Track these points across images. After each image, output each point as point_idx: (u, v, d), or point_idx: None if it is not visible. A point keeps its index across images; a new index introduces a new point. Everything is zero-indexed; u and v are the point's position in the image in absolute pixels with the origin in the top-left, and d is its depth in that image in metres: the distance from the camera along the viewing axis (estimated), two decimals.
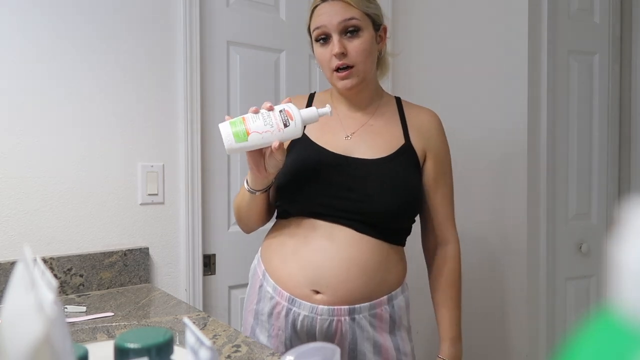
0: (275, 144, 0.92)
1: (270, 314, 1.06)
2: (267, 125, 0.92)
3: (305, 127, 0.97)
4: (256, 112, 0.94)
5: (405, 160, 1.07)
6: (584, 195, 1.73)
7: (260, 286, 1.09)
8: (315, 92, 1.20)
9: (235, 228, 1.68)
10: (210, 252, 1.66)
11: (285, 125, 0.92)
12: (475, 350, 1.70)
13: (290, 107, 0.94)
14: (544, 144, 1.64)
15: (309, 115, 0.95)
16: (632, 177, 1.82)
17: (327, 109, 0.96)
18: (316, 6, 1.06)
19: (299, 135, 0.95)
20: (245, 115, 0.93)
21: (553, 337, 1.68)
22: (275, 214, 1.15)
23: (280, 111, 0.93)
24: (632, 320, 0.18)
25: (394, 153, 1.07)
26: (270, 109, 0.93)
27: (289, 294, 1.03)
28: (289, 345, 1.04)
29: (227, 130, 0.91)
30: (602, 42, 1.76)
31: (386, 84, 1.95)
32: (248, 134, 0.91)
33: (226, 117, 0.95)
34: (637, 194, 1.78)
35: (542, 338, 1.65)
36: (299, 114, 0.94)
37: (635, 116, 1.82)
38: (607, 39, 1.77)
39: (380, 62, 1.15)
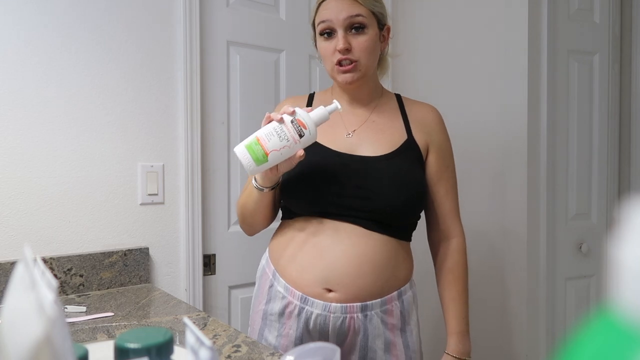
0: (299, 153, 0.94)
1: (282, 314, 1.06)
2: (284, 141, 0.92)
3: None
4: (269, 120, 0.93)
5: (409, 156, 1.08)
6: (584, 195, 1.73)
7: (271, 286, 1.09)
8: (314, 92, 1.20)
9: (235, 228, 1.68)
10: (210, 252, 1.66)
11: (301, 136, 0.92)
12: (475, 350, 1.70)
13: (301, 115, 0.93)
14: (544, 144, 1.64)
15: (320, 117, 0.94)
16: (632, 177, 1.82)
17: (334, 105, 0.95)
18: (322, 1, 1.07)
19: (314, 140, 0.95)
20: (258, 135, 0.93)
21: (553, 337, 1.68)
22: (280, 214, 1.15)
23: (292, 122, 0.92)
24: (632, 320, 0.18)
25: (397, 149, 1.07)
26: (281, 121, 0.92)
27: (301, 293, 1.03)
28: (300, 344, 1.04)
29: (245, 154, 0.91)
30: (602, 42, 1.76)
31: (386, 84, 1.95)
32: (267, 154, 0.91)
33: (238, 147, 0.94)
34: (637, 194, 1.78)
35: (542, 338, 1.65)
36: (310, 120, 0.93)
37: (635, 116, 1.82)
38: (607, 39, 1.77)
39: (380, 61, 1.16)
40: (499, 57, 1.70)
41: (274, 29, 1.80)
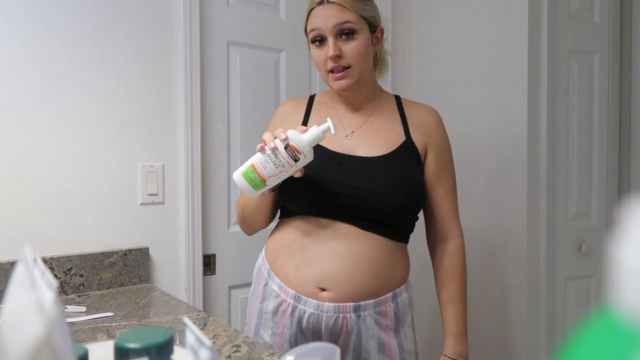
0: (297, 174, 0.97)
1: (275, 312, 1.06)
2: (279, 167, 0.94)
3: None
4: (262, 149, 0.95)
5: (407, 157, 1.08)
6: (584, 195, 1.73)
7: (265, 285, 1.09)
8: (315, 94, 1.21)
9: (235, 228, 1.68)
10: (210, 252, 1.66)
11: (296, 160, 0.94)
12: (475, 350, 1.70)
13: (295, 140, 0.94)
14: (544, 144, 1.64)
15: (314, 139, 0.95)
16: (632, 177, 1.82)
17: (327, 124, 0.95)
18: (312, 9, 1.07)
19: (310, 160, 0.96)
20: (253, 162, 0.95)
21: (553, 337, 1.68)
22: (278, 213, 1.15)
23: (286, 148, 0.94)
24: (632, 320, 0.18)
25: (395, 150, 1.07)
26: (275, 149, 0.94)
27: (294, 292, 1.04)
28: (294, 343, 1.04)
29: (243, 182, 0.95)
30: (602, 42, 1.76)
31: (386, 84, 1.95)
32: (264, 180, 0.95)
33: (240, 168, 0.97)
34: (637, 194, 1.78)
35: (542, 338, 1.65)
36: (304, 144, 0.94)
37: (635, 116, 1.82)
38: (607, 39, 1.77)
39: (378, 61, 1.16)
40: (499, 57, 1.70)
41: (274, 29, 1.80)
